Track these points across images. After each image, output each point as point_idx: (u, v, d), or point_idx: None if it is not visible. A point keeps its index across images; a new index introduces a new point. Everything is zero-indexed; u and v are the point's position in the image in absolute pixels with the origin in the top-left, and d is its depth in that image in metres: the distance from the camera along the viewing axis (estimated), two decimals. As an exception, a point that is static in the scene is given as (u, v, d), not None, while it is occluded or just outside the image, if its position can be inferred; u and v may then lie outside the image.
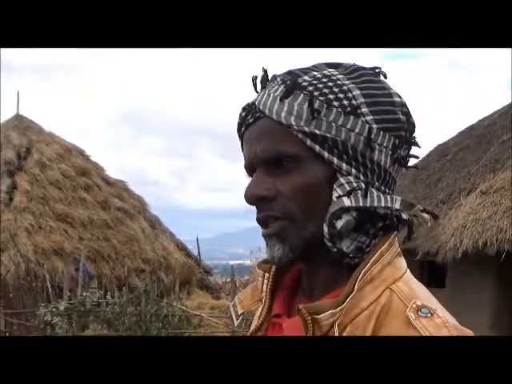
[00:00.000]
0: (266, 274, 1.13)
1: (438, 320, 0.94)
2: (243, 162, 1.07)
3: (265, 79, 1.06)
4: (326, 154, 0.99)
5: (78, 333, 9.23)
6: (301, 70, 1.04)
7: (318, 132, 0.99)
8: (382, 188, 1.02)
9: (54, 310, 9.31)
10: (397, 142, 1.02)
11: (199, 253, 19.33)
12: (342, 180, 1.00)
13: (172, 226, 20.30)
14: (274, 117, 1.00)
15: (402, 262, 1.04)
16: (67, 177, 16.86)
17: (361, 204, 0.99)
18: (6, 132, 17.36)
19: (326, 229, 0.99)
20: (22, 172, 16.52)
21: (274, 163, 1.02)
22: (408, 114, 1.04)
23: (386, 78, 1.06)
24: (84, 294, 10.24)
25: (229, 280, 16.37)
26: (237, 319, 1.19)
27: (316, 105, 0.99)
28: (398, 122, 1.02)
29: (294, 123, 0.99)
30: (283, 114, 1.00)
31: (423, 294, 1.00)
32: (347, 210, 0.99)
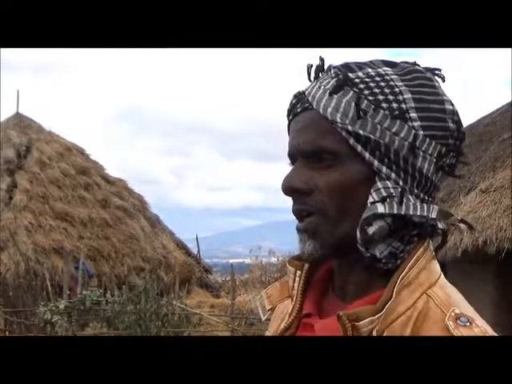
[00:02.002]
0: (298, 272, 1.11)
1: (477, 329, 0.93)
2: (287, 149, 1.06)
3: (319, 69, 1.04)
4: (367, 155, 0.98)
5: (77, 331, 9.24)
6: (357, 64, 1.02)
7: (361, 132, 0.97)
8: (421, 195, 1.00)
9: (53, 308, 9.32)
10: (443, 150, 1.00)
11: (199, 251, 19.35)
12: (379, 184, 0.99)
13: (171, 225, 20.32)
14: (321, 111, 0.99)
15: (437, 266, 1.03)
16: (67, 175, 16.87)
17: (395, 211, 0.97)
18: (5, 131, 17.38)
19: (358, 234, 0.98)
20: (22, 171, 16.54)
21: (315, 157, 1.00)
22: (459, 123, 1.02)
23: (444, 81, 1.04)
24: (84, 292, 10.26)
25: (228, 278, 16.39)
26: (264, 314, 1.17)
27: (363, 105, 0.97)
28: (446, 131, 1.00)
29: (339, 120, 0.98)
30: (329, 110, 0.98)
31: (459, 300, 0.99)
32: (380, 216, 0.97)
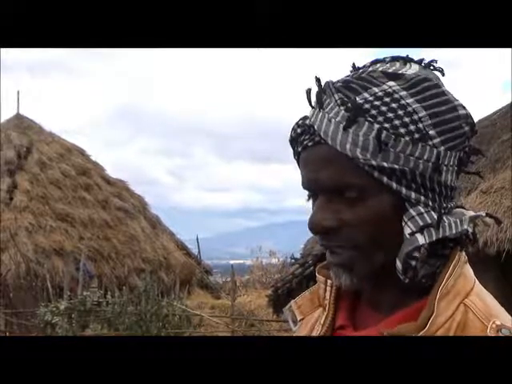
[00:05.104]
0: (329, 281, 1.08)
1: None
2: (301, 181, 1.02)
3: (320, 93, 0.99)
4: (394, 185, 0.96)
5: (78, 332, 9.23)
6: (358, 82, 0.98)
7: (385, 165, 0.94)
8: (449, 206, 0.99)
9: (54, 309, 9.31)
10: (462, 154, 0.99)
11: (199, 252, 19.33)
12: (412, 212, 0.96)
13: (171, 226, 20.29)
14: (339, 148, 0.95)
15: (470, 271, 1.01)
16: (67, 176, 16.86)
17: (434, 238, 0.96)
18: (6, 131, 17.37)
19: (399, 265, 0.96)
20: (23, 171, 16.52)
21: (339, 192, 0.98)
22: (472, 124, 1.00)
23: (443, 75, 1.02)
24: (84, 293, 10.24)
25: (229, 279, 16.38)
26: (294, 325, 1.15)
27: (383, 137, 0.94)
28: (463, 136, 0.98)
29: (360, 156, 0.94)
30: (348, 146, 0.95)
31: (497, 308, 0.98)
32: (421, 246, 0.96)
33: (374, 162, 0.95)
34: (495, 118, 9.75)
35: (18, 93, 18.14)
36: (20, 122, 18.28)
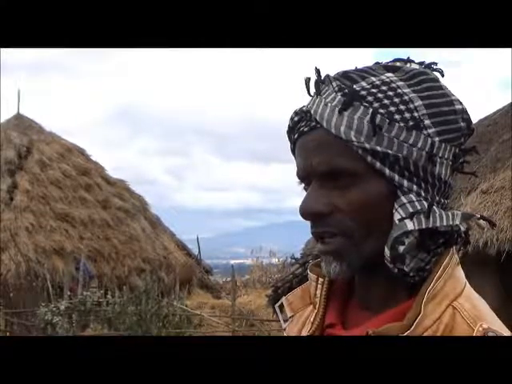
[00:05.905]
0: (320, 279, 1.09)
1: None
2: (296, 169, 1.03)
3: (319, 82, 1.00)
4: (386, 171, 0.96)
5: (78, 332, 9.24)
6: (357, 72, 0.99)
7: (379, 149, 0.95)
8: (442, 201, 1.00)
9: (54, 309, 9.33)
10: (457, 150, 0.99)
11: (199, 252, 19.35)
12: (403, 199, 0.97)
13: (171, 226, 20.29)
14: (333, 130, 0.96)
15: (461, 273, 1.01)
16: (68, 176, 16.88)
17: (423, 226, 0.96)
18: (6, 131, 17.38)
19: (387, 251, 0.96)
20: (23, 171, 16.54)
21: (331, 177, 0.98)
22: (468, 121, 1.01)
23: (443, 76, 1.02)
24: (84, 293, 10.26)
25: (229, 279, 16.40)
26: (285, 322, 1.15)
27: (378, 120, 0.95)
28: (458, 131, 0.99)
29: (354, 139, 0.95)
30: (342, 129, 0.95)
31: (486, 312, 0.98)
32: (410, 232, 0.96)
33: (367, 146, 0.95)
34: (496, 118, 9.75)
35: (18, 93, 18.18)
36: (20, 122, 18.30)
